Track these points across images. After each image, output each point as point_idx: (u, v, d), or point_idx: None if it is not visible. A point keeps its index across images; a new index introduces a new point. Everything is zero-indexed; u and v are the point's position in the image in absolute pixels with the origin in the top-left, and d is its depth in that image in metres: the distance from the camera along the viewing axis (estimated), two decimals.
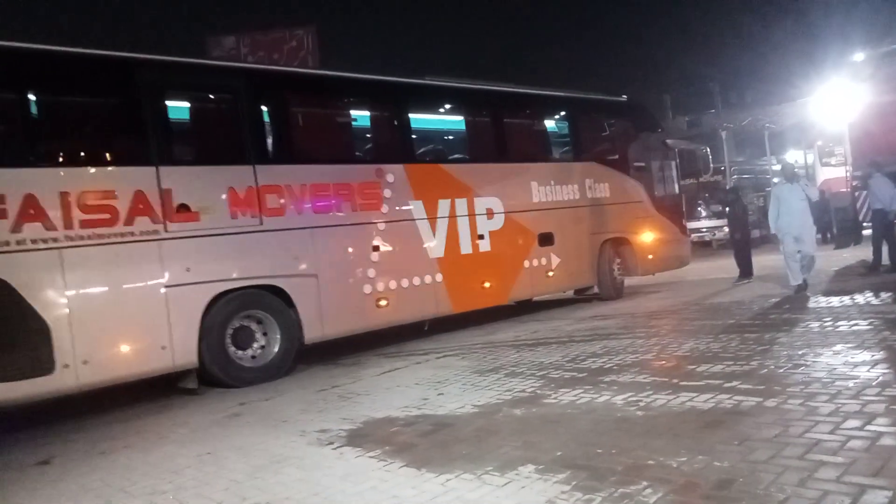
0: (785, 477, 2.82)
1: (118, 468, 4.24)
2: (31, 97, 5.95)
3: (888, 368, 4.38)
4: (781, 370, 4.64)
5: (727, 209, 13.09)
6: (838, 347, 5.20)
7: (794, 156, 30.56)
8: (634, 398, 4.34)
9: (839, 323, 6.22)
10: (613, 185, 10.52)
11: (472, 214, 8.66)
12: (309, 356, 8.14)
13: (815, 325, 6.28)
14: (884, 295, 7.64)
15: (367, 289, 7.59)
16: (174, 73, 6.81)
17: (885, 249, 9.81)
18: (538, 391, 4.89)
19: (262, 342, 6.85)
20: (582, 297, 10.91)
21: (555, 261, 9.59)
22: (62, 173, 5.91)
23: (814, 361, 4.81)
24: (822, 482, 2.75)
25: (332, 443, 4.19)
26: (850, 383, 4.09)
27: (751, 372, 4.68)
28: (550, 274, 9.57)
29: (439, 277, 8.27)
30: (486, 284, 8.84)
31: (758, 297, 8.79)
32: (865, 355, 4.83)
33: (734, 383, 4.41)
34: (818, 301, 7.83)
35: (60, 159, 6.07)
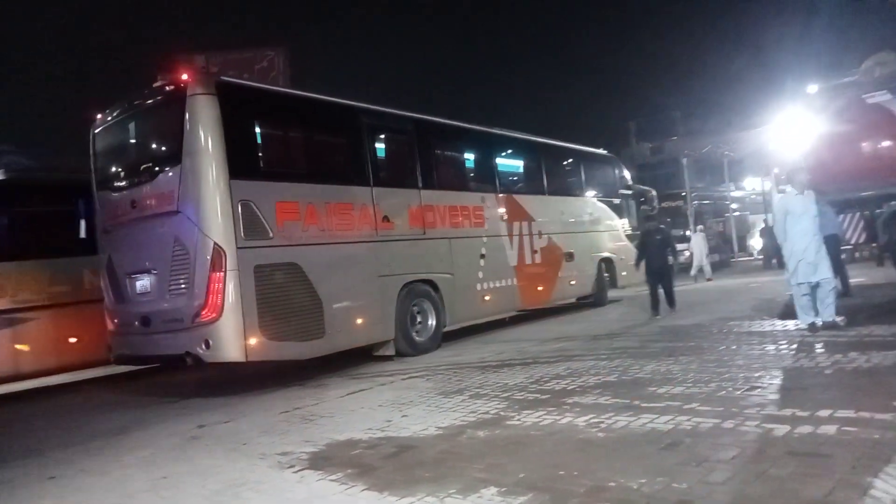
0: (742, 499, 2.87)
1: (70, 493, 4.10)
2: (303, 133, 8.28)
3: (840, 391, 4.51)
4: (739, 392, 4.73)
5: (647, 235, 11.11)
6: (793, 370, 5.33)
7: (751, 183, 31.53)
8: (596, 420, 4.38)
9: (794, 346, 6.39)
10: (603, 217, 13.71)
11: (530, 234, 11.27)
12: (273, 378, 8.03)
13: (771, 348, 6.44)
14: (837, 318, 7.87)
15: (478, 287, 9.98)
16: (379, 117, 8.99)
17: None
18: (502, 413, 4.89)
19: (419, 324, 8.96)
20: (578, 303, 13.41)
21: (574, 273, 12.40)
22: (326, 189, 7.90)
23: (770, 384, 4.93)
24: None
25: (292, 466, 4.12)
26: (805, 405, 4.19)
27: (710, 394, 4.77)
28: (573, 283, 12.38)
29: (514, 281, 10.75)
30: (539, 288, 11.45)
31: (717, 320, 8.98)
32: (820, 378, 4.97)
33: (693, 405, 4.48)
34: (774, 325, 8.04)
35: (328, 179, 8.04)
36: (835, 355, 5.68)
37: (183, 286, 6.84)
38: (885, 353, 5.49)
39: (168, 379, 9.57)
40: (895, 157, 11.27)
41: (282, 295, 7.05)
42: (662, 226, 11.87)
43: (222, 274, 6.57)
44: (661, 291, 10.67)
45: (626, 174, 15.42)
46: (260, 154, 7.56)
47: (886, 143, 11.56)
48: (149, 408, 7.12)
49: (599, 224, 13.55)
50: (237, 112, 7.03)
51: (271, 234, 7.06)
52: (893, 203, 11.37)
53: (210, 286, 6.60)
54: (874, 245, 12.69)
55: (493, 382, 6.17)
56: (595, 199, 13.64)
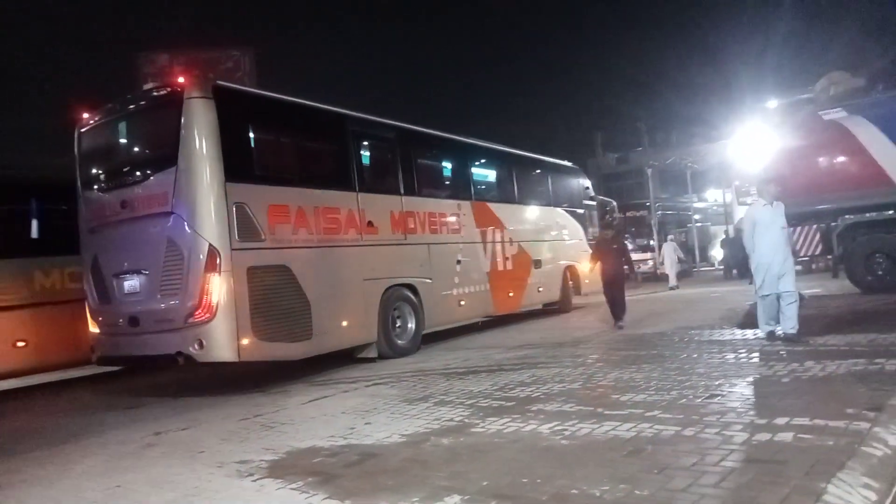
0: None
1: None
2: (293, 138, 8.37)
3: (796, 399, 4.61)
4: (699, 400, 4.80)
5: (602, 244, 10.80)
6: (752, 378, 5.44)
7: (713, 194, 32.26)
8: (560, 427, 4.39)
9: (753, 355, 6.51)
10: (569, 226, 14.21)
11: (502, 241, 11.63)
12: (234, 384, 7.88)
13: (730, 356, 6.55)
14: (794, 331, 8.06)
15: (455, 291, 10.28)
16: (363, 125, 9.19)
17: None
18: (466, 420, 4.87)
19: (399, 327, 9.11)
20: (543, 310, 13.75)
21: (542, 280, 12.81)
22: (318, 193, 8.04)
23: (729, 392, 5.01)
24: None
25: (251, 474, 4.02)
26: (763, 412, 4.27)
27: (671, 401, 4.82)
28: (540, 289, 12.78)
29: (487, 286, 11.08)
30: (511, 294, 11.79)
31: (679, 329, 9.12)
32: (777, 386, 5.07)
33: (655, 412, 4.52)
34: (734, 334, 8.20)
35: (316, 183, 8.19)
36: (791, 364, 5.80)
37: (175, 286, 6.85)
38: (839, 362, 5.64)
39: (126, 384, 9.31)
40: (849, 172, 11.63)
41: (273, 296, 7.16)
42: (626, 235, 12.05)
43: (217, 275, 6.64)
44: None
45: (589, 185, 15.95)
46: (253, 157, 7.62)
47: (841, 159, 11.93)
48: (104, 413, 6.91)
49: (565, 233, 14.06)
50: (232, 116, 7.11)
51: (263, 237, 7.17)
52: (848, 217, 11.74)
53: (204, 287, 6.65)
54: (829, 257, 13.06)
55: (458, 389, 6.15)
56: (561, 209, 14.12)
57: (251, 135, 7.62)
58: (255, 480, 3.91)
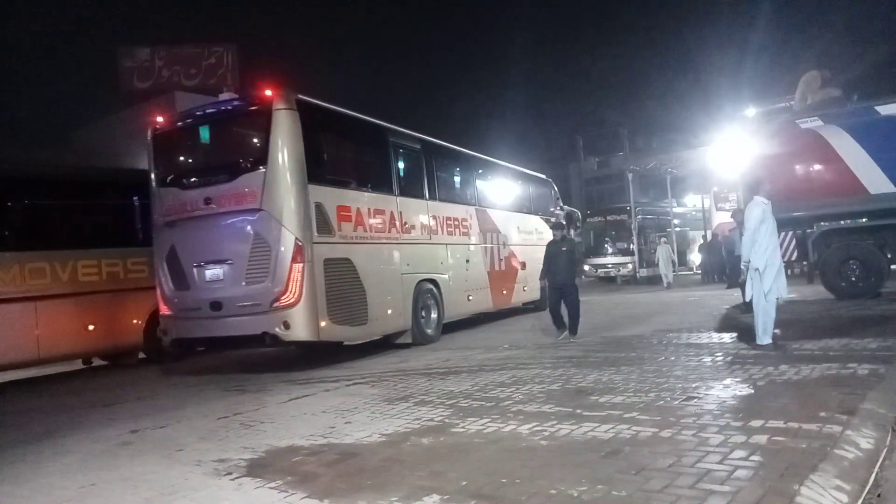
0: None
1: None
2: (353, 147, 9.65)
3: (771, 402, 4.69)
4: (676, 402, 4.86)
5: (552, 246, 9.77)
6: (728, 381, 5.52)
7: (692, 200, 32.62)
8: (539, 428, 4.42)
9: (729, 358, 6.61)
10: (545, 232, 14.76)
11: (498, 244, 12.99)
12: (213, 382, 7.82)
13: (707, 359, 6.64)
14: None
15: (465, 287, 11.51)
16: (401, 137, 10.37)
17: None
18: (447, 420, 4.88)
19: (424, 317, 10.15)
20: (522, 309, 14.57)
21: (526, 280, 13.90)
22: (370, 196, 9.19)
23: (706, 394, 5.08)
24: None
25: (230, 473, 4.00)
26: (738, 415, 4.34)
27: (649, 403, 4.88)
28: (525, 289, 14.04)
29: (488, 284, 12.42)
30: (504, 292, 13.10)
31: (657, 332, 9.22)
32: (752, 389, 5.15)
33: (633, 414, 4.57)
34: (711, 337, 8.32)
35: (369, 187, 9.33)
36: (767, 368, 5.90)
37: (261, 274, 7.72)
38: (813, 366, 5.74)
39: (101, 382, 9.18)
40: (825, 180, 11.82)
41: (342, 285, 8.16)
42: (570, 237, 12.23)
43: (302, 265, 7.57)
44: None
45: (559, 196, 17.47)
46: (326, 162, 8.60)
47: (817, 167, 12.12)
48: (80, 411, 6.81)
49: (542, 238, 14.72)
50: (311, 125, 8.02)
51: (334, 233, 8.18)
52: (823, 224, 11.95)
53: (290, 275, 7.57)
54: (805, 263, 13.29)
55: (438, 389, 6.16)
56: (538, 217, 15.42)
57: (324, 142, 8.58)
58: (233, 479, 3.88)
